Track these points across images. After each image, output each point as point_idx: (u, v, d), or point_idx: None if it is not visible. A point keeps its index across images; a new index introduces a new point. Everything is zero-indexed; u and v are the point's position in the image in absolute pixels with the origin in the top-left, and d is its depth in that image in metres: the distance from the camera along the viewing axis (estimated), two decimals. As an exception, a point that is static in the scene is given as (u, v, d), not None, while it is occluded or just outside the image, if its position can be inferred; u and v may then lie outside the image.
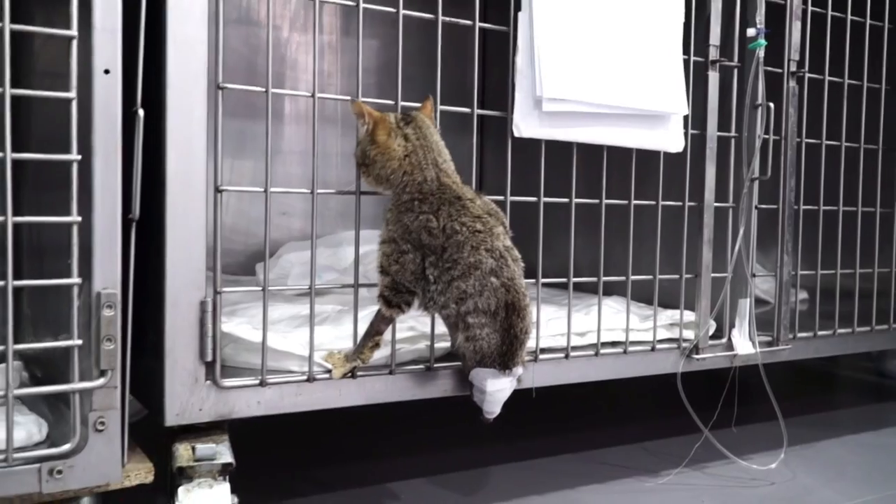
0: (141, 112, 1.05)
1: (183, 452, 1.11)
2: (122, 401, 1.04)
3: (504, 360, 1.20)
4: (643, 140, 1.44)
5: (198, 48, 1.08)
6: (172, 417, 1.11)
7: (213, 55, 1.11)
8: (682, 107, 1.46)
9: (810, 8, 1.70)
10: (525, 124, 1.33)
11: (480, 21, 1.33)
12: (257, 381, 1.16)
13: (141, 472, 1.08)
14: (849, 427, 2.05)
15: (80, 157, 0.98)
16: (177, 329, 1.10)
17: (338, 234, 2.19)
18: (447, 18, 1.30)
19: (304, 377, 1.20)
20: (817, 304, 1.80)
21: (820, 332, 1.80)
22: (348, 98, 1.26)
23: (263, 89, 1.17)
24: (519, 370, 1.22)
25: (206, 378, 1.13)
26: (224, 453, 1.13)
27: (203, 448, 1.11)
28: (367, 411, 1.30)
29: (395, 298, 1.20)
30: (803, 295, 1.98)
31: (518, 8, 1.33)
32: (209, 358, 1.12)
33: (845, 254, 1.84)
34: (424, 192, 1.19)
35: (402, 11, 1.27)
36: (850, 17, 1.78)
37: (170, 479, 1.16)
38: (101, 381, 1.01)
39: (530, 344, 1.26)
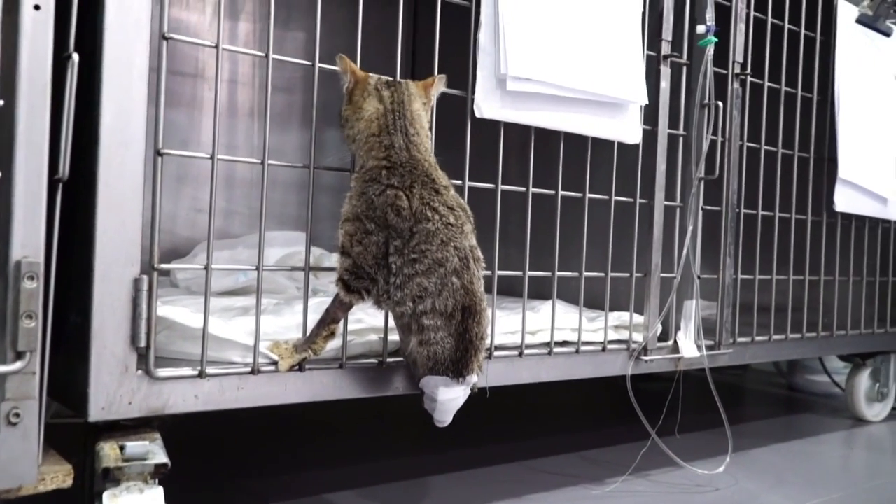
0: (75, 57, 0.91)
1: (109, 452, 0.97)
2: (40, 390, 0.89)
3: (458, 367, 1.09)
4: (602, 129, 1.39)
5: (141, -13, 0.96)
6: (97, 412, 0.96)
7: (158, 1, 0.98)
8: (642, 96, 1.42)
9: (752, 13, 1.71)
10: (486, 105, 1.26)
11: (441, -6, 1.26)
12: (196, 373, 1.03)
13: (59, 475, 0.93)
14: (775, 436, 2.06)
15: (1, 102, 0.84)
16: (106, 309, 0.96)
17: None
18: (409, -13, 1.22)
19: (248, 369, 1.08)
20: (755, 311, 1.80)
21: (757, 338, 1.79)
22: (308, 62, 1.16)
23: (213, 44, 1.06)
24: (473, 378, 1.12)
25: (137, 367, 0.99)
26: (157, 453, 0.99)
27: (133, 446, 0.97)
28: (299, 410, 1.19)
29: (355, 283, 1.08)
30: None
31: (481, -18, 1.26)
32: (142, 343, 0.98)
33: (769, 260, 1.84)
34: (393, 161, 1.09)
35: (362, -26, 1.17)
36: (787, 25, 1.80)
37: (89, 484, 1.02)
38: (18, 364, 0.86)
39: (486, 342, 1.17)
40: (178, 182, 2.08)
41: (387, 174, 1.07)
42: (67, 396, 1.01)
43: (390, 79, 1.16)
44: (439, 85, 1.20)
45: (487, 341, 1.16)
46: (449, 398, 1.11)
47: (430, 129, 1.19)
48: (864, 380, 2.24)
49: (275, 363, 1.10)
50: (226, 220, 2.15)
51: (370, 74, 1.15)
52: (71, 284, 0.99)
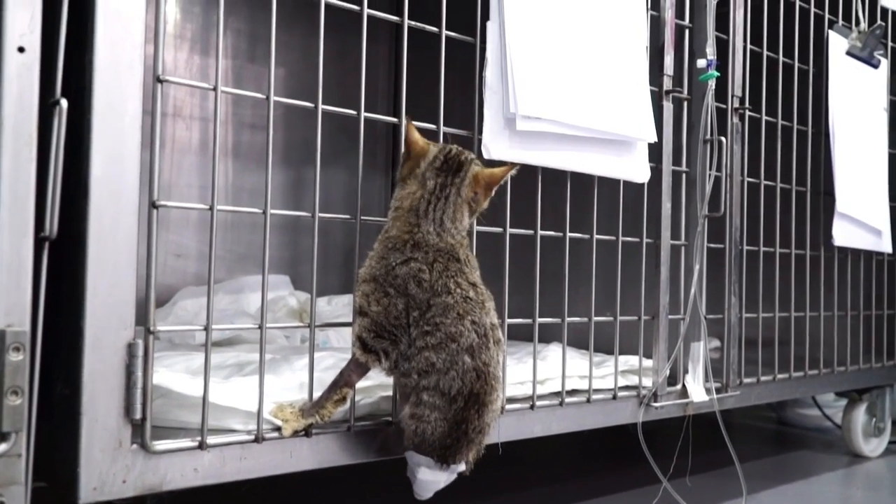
0: (63, 102, 0.83)
1: (102, 537, 0.87)
2: (26, 473, 0.80)
3: (445, 453, 1.01)
4: (611, 168, 1.33)
5: (133, 26, 0.88)
6: (89, 493, 0.86)
7: (153, 38, 0.91)
8: (651, 134, 1.37)
9: (749, 46, 1.67)
10: (495, 145, 1.19)
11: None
12: (195, 444, 0.94)
13: (46, 567, 0.84)
14: (777, 477, 2.00)
15: (-18, 154, 0.76)
16: (97, 378, 0.87)
17: (238, 280, 1.97)
18: (413, 23, 1.15)
19: (251, 437, 0.99)
20: (759, 350, 1.74)
21: (762, 378, 1.74)
22: (309, 105, 1.08)
23: (212, 86, 0.98)
24: (461, 467, 1.04)
25: (132, 441, 0.90)
26: (155, 536, 0.89)
27: (130, 531, 0.88)
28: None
29: (373, 343, 1.00)
30: (716, 343, 1.92)
31: (486, 17, 1.20)
32: (138, 415, 0.89)
33: (769, 297, 1.79)
34: (418, 241, 1.02)
35: (366, 11, 1.11)
36: (781, 57, 1.77)
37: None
38: (3, 447, 0.77)
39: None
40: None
41: (412, 249, 1.01)
42: (53, 476, 0.92)
43: (451, 157, 1.05)
44: (506, 176, 1.09)
45: (487, 434, 1.05)
46: (429, 479, 1.04)
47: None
48: (860, 415, 2.19)
49: (278, 429, 1.01)
50: (203, 263, 2.05)
51: (430, 148, 1.06)
52: (57, 351, 0.90)
